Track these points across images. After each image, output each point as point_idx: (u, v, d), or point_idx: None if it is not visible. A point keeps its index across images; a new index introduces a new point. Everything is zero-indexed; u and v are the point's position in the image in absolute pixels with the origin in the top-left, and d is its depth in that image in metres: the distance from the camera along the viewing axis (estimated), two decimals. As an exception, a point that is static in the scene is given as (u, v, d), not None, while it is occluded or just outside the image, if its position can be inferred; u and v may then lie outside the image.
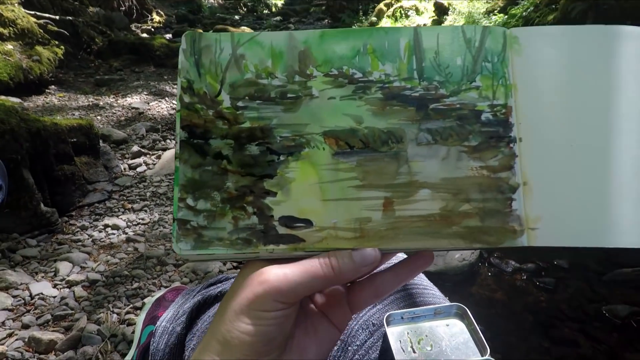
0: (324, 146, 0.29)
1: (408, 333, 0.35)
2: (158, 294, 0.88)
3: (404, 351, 0.33)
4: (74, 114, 2.68)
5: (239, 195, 0.28)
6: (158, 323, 0.63)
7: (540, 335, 1.32)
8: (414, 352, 0.34)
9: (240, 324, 0.25)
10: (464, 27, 0.31)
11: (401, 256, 0.40)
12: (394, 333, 0.35)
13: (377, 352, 0.35)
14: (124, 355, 0.87)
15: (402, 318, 0.36)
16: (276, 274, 0.25)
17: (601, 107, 0.29)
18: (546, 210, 0.28)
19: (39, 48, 3.27)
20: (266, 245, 0.27)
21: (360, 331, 0.38)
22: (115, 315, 0.99)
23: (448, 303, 0.38)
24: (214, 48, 0.30)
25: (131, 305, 1.04)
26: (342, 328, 0.29)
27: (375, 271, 0.28)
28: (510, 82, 0.30)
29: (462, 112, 0.30)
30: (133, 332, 0.91)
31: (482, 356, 0.32)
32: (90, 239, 1.33)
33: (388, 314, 0.36)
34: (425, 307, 0.37)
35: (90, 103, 3.00)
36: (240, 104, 0.29)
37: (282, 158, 0.29)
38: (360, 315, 0.39)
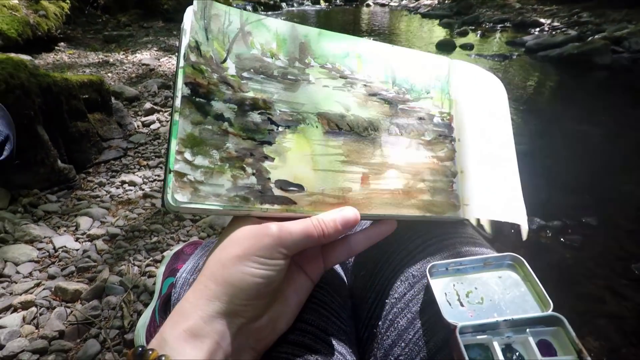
0: (317, 124, 0.33)
1: (454, 285, 0.31)
2: (176, 248, 0.87)
3: (450, 305, 0.30)
4: (84, 71, 2.63)
5: (238, 157, 0.30)
6: (178, 274, 0.62)
7: (564, 292, 1.28)
8: (462, 305, 0.30)
9: (246, 267, 0.27)
10: (421, 53, 0.40)
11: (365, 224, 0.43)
12: (438, 285, 0.31)
13: (419, 305, 0.32)
14: (146, 304, 0.89)
15: (446, 269, 0.32)
16: (281, 230, 0.28)
17: (506, 124, 0.42)
18: (475, 192, 0.37)
19: (44, 2, 3.16)
20: (262, 204, 0.30)
21: (399, 283, 0.34)
22: (136, 268, 1.00)
23: (498, 253, 0.34)
24: (223, 18, 0.32)
25: (151, 258, 1.04)
26: (315, 280, 0.34)
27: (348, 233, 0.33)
28: (452, 97, 0.40)
29: (421, 114, 0.38)
30: (154, 284, 0.92)
31: (542, 311, 0.28)
32: (108, 195, 1.33)
33: (431, 264, 0.32)
34: (472, 257, 0.32)
35: (100, 60, 2.93)
36: (245, 74, 0.32)
37: (280, 129, 0.32)
38: (397, 268, 0.35)
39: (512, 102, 2.89)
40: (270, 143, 0.31)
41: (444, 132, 0.38)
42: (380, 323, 0.34)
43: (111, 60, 2.94)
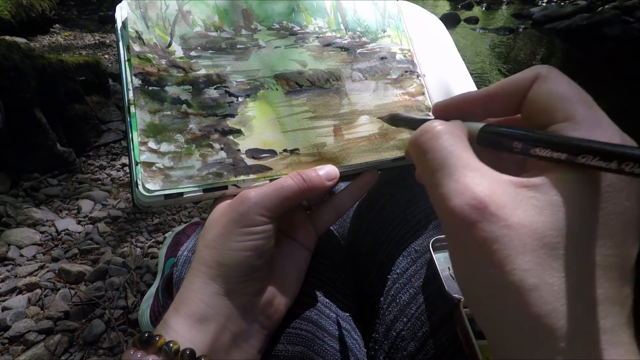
0: (277, 87, 0.33)
1: (458, 259, 0.30)
2: (178, 229, 0.87)
3: (453, 279, 0.28)
4: (80, 53, 2.59)
5: (203, 135, 0.30)
6: (179, 253, 0.62)
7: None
8: (466, 279, 0.28)
9: (232, 242, 0.26)
10: None
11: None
12: (441, 259, 0.30)
13: (421, 280, 0.31)
14: (149, 285, 0.89)
15: (449, 242, 0.31)
16: (255, 192, 0.27)
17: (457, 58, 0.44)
18: None
19: (36, -18, 3.07)
20: (237, 176, 0.29)
21: (401, 259, 0.33)
22: (138, 249, 1.01)
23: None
24: (159, 4, 0.32)
25: (153, 240, 1.04)
26: (311, 248, 0.33)
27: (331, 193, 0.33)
28: (408, 35, 0.39)
29: (382, 54, 0.37)
30: (156, 265, 0.92)
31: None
32: (109, 178, 1.33)
33: (434, 238, 0.30)
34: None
35: (97, 41, 2.87)
36: (193, 53, 0.31)
37: (240, 99, 0.31)
38: (399, 243, 0.34)
39: (518, 77, 2.81)
40: (232, 115, 0.31)
41: (409, 67, 0.38)
42: (382, 299, 0.33)
43: (107, 41, 2.88)
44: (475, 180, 0.17)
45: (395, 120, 0.31)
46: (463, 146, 0.19)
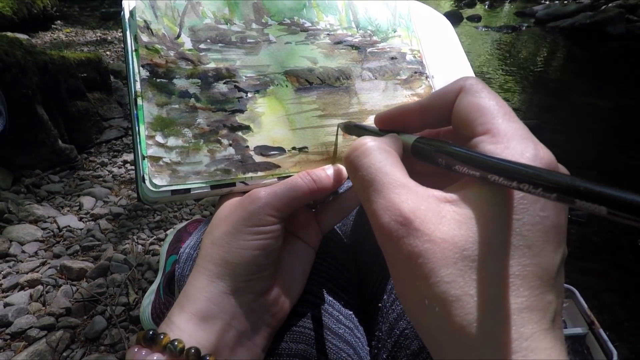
0: (287, 83, 0.32)
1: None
2: (179, 226, 0.87)
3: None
4: (82, 50, 2.58)
5: (212, 130, 0.29)
6: (182, 250, 0.62)
7: (568, 267, 1.28)
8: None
9: (241, 241, 0.26)
10: None
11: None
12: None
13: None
14: (150, 282, 0.89)
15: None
16: (265, 192, 0.27)
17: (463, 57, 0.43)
18: None
19: (38, -22, 3.06)
20: (245, 173, 0.29)
21: None
22: (140, 246, 1.01)
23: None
24: None
25: (155, 237, 1.04)
26: (316, 246, 0.33)
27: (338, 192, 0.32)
28: (417, 36, 0.40)
29: (392, 54, 0.37)
30: (158, 262, 0.93)
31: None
32: (111, 175, 1.33)
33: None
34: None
35: (98, 38, 2.87)
36: (202, 46, 0.31)
37: (249, 95, 0.31)
38: None
39: (521, 75, 2.82)
40: (242, 111, 0.30)
41: (418, 69, 0.38)
42: (385, 297, 0.33)
43: (109, 38, 2.87)
44: (402, 198, 0.18)
45: (349, 128, 0.31)
46: (391, 162, 0.20)
